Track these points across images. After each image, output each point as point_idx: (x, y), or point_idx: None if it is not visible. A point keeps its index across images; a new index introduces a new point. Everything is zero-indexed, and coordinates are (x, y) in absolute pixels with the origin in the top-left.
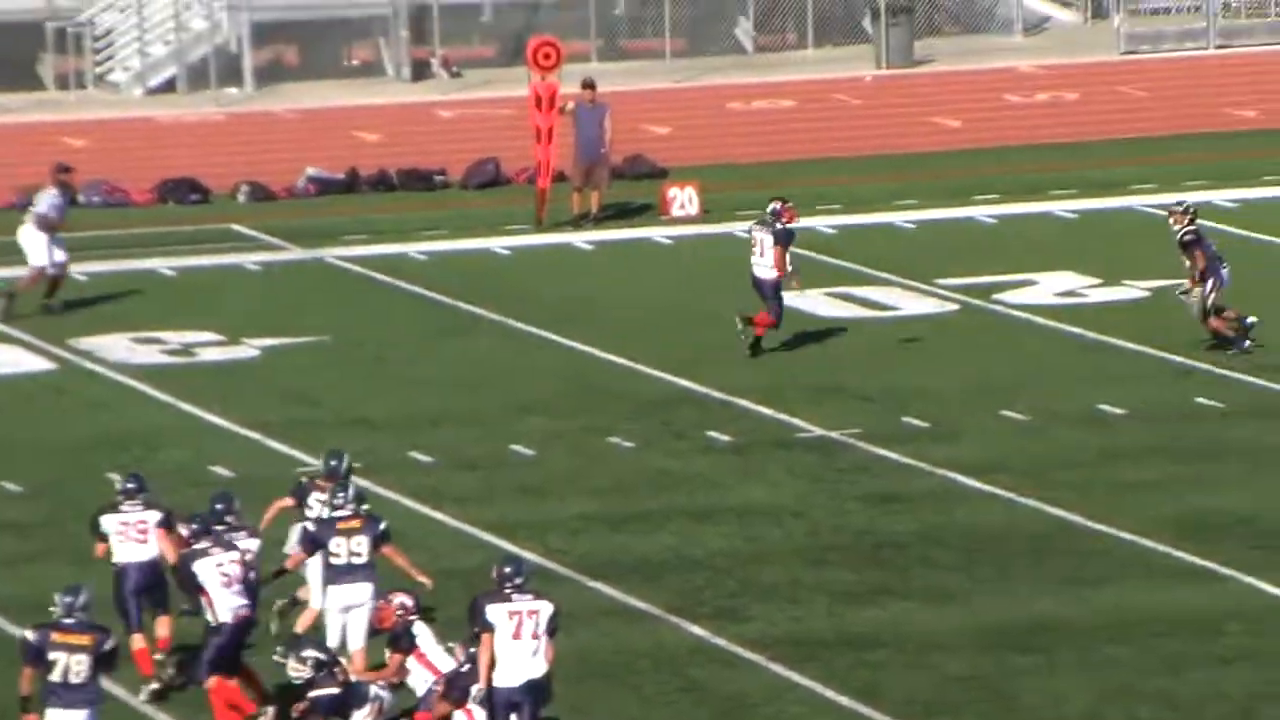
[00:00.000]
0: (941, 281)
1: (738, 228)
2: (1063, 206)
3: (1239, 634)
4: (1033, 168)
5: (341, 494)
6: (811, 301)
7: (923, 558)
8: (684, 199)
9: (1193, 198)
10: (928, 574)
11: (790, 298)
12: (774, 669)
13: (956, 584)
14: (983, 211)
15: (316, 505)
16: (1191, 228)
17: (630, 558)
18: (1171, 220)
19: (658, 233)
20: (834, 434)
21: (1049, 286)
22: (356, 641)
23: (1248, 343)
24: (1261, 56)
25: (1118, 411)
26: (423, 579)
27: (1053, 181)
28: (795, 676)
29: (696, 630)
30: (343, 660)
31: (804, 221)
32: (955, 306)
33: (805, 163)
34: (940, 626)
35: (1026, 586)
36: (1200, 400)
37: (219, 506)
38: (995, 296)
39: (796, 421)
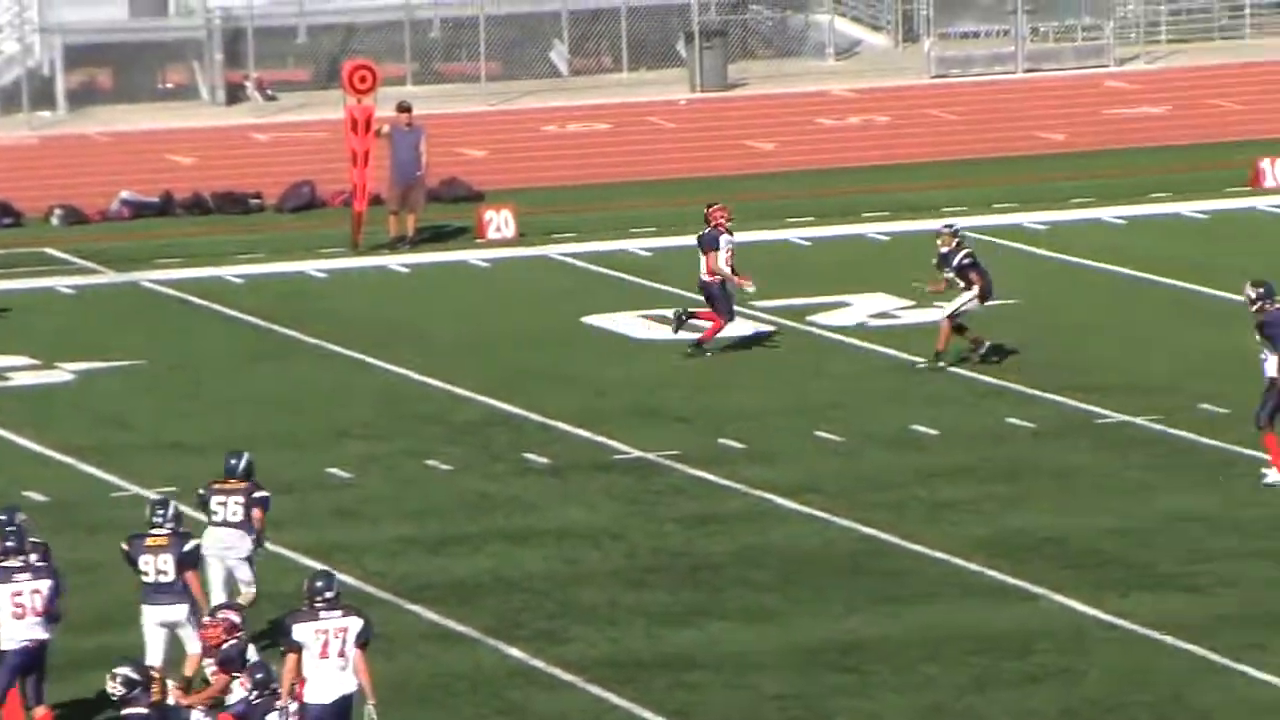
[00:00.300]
0: (757, 304)
1: (553, 250)
2: (875, 229)
3: (1049, 652)
4: (845, 190)
5: (161, 511)
6: (627, 323)
7: (739, 578)
8: (500, 222)
9: (1002, 220)
10: (744, 594)
11: (605, 320)
12: (592, 690)
13: (773, 604)
14: (796, 234)
15: (219, 509)
16: (968, 250)
17: (448, 580)
18: (940, 243)
19: (474, 255)
20: (651, 455)
21: (862, 308)
22: (192, 649)
23: (942, 364)
24: (1069, 80)
25: (930, 432)
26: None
27: (865, 204)
28: (613, 698)
29: (515, 652)
30: (171, 682)
31: (618, 244)
32: (771, 328)
33: (620, 185)
34: (757, 646)
35: (842, 606)
36: (1011, 420)
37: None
38: (809, 318)
39: (614, 443)
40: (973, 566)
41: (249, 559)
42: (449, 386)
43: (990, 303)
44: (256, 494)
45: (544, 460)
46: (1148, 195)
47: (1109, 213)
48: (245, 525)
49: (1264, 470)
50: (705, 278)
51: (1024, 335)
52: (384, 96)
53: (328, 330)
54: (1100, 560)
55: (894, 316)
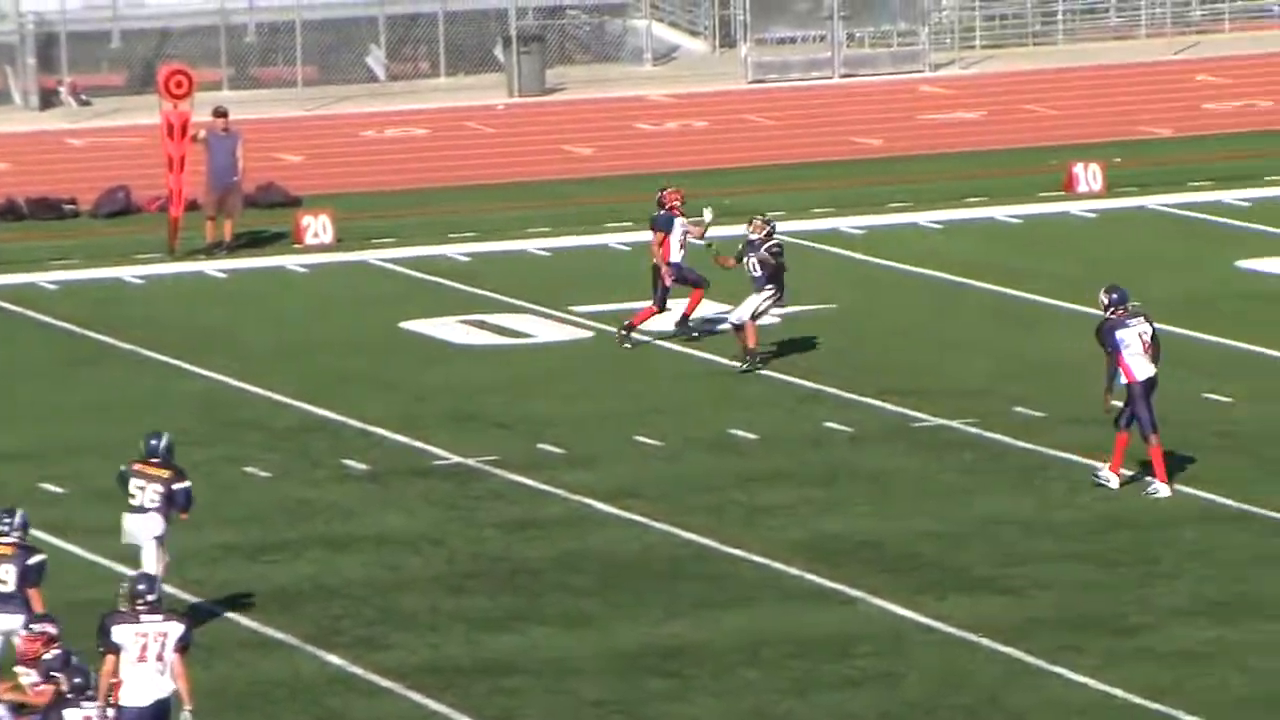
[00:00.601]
0: (575, 308)
1: (372, 256)
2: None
3: (868, 655)
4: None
5: (8, 519)
6: (446, 329)
7: (559, 583)
8: (318, 227)
9: (819, 225)
10: (564, 599)
11: (424, 326)
12: (412, 697)
13: (592, 609)
14: (615, 238)
15: (137, 491)
16: (777, 243)
17: (268, 587)
18: (751, 228)
19: (291, 261)
20: (470, 461)
21: (681, 312)
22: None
23: (760, 362)
24: (885, 85)
25: (749, 436)
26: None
27: (684, 208)
28: (433, 704)
29: (334, 659)
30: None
31: (437, 249)
32: (589, 333)
33: (439, 190)
34: (576, 652)
35: (661, 610)
36: (829, 424)
37: None
38: (629, 323)
39: (433, 449)
40: (792, 570)
41: (160, 539)
42: (267, 393)
43: (791, 309)
44: (176, 486)
45: (363, 466)
46: (963, 200)
47: (925, 217)
48: (161, 510)
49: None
50: (656, 260)
51: (841, 340)
52: (200, 101)
53: (144, 336)
54: (917, 563)
55: (712, 320)
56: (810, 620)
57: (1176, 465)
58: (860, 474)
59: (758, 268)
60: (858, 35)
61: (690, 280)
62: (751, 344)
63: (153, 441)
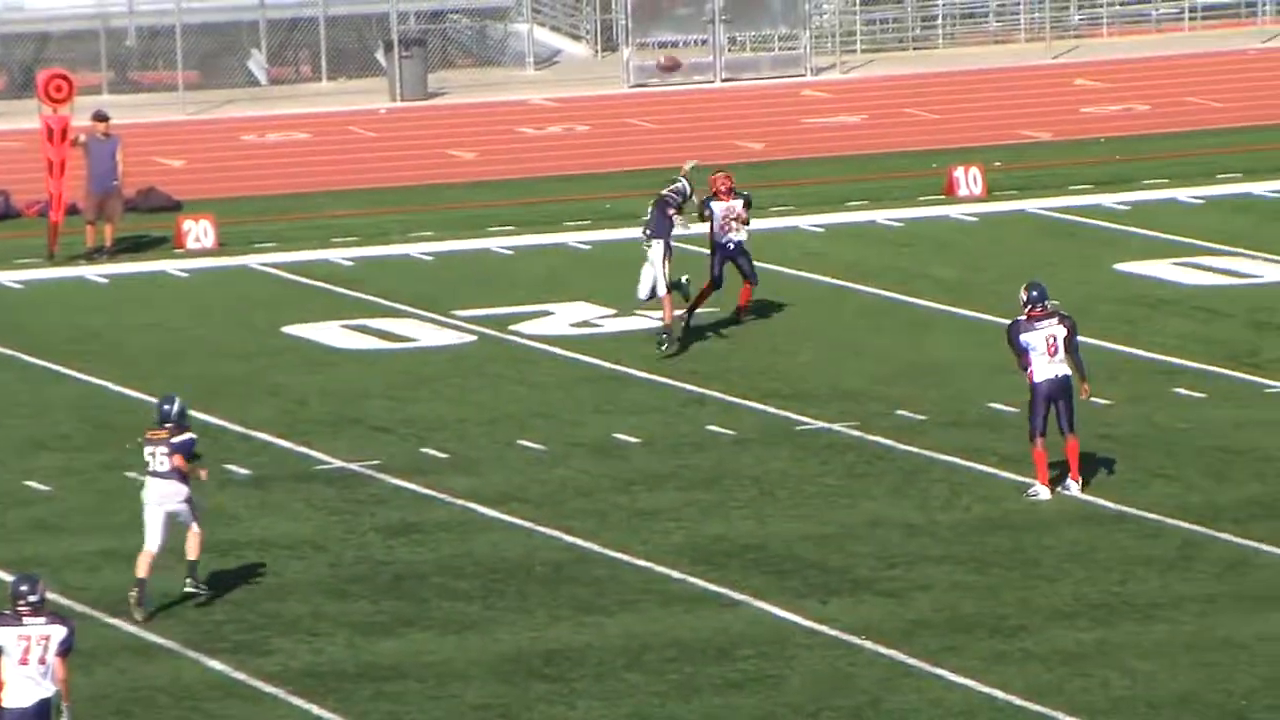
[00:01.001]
0: (458, 313)
1: (254, 260)
2: (577, 237)
3: (750, 658)
4: (547, 199)
5: None
6: (329, 333)
7: (442, 588)
8: (199, 232)
9: (702, 227)
10: (447, 604)
11: (307, 330)
12: (295, 702)
13: (476, 613)
14: (498, 243)
15: (149, 459)
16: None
17: (149, 593)
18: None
19: (173, 265)
20: (353, 466)
21: (565, 317)
22: None
23: (672, 346)
24: (766, 89)
25: (632, 440)
26: None
27: (566, 212)
28: (315, 709)
29: (216, 665)
30: None
31: (319, 254)
32: (473, 338)
33: (321, 195)
34: (459, 656)
35: (544, 614)
36: (712, 428)
37: None
38: (512, 327)
39: (315, 454)
40: (674, 574)
41: (188, 501)
42: (149, 398)
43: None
44: (175, 440)
45: (245, 471)
46: (845, 204)
47: (808, 221)
48: (174, 473)
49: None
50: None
51: (724, 343)
52: (80, 106)
53: (24, 341)
54: (800, 566)
55: (596, 325)
56: (693, 623)
57: (1055, 468)
58: (743, 477)
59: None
60: (739, 39)
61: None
62: (667, 320)
63: (165, 407)
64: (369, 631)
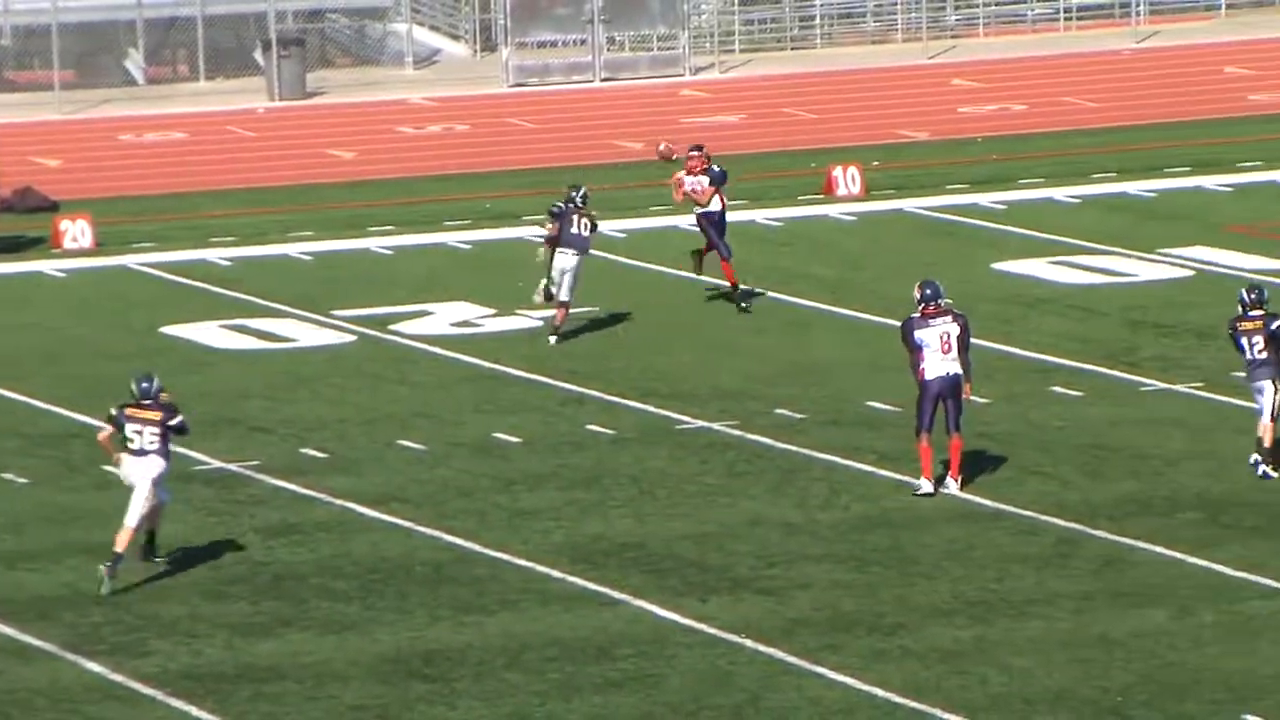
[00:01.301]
0: (338, 313)
1: (132, 260)
2: (457, 237)
3: (630, 656)
4: (426, 199)
5: None
6: (207, 333)
7: (322, 588)
8: (76, 232)
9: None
10: (327, 604)
11: (185, 330)
12: (173, 704)
13: (355, 614)
14: (378, 242)
15: (135, 436)
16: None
17: (26, 595)
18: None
19: (50, 266)
20: (232, 466)
21: (445, 317)
22: None
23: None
24: (645, 89)
25: (512, 440)
26: None
27: (446, 212)
28: (194, 711)
29: (94, 667)
30: None
31: (197, 254)
32: (352, 338)
33: (200, 194)
34: (339, 656)
35: (424, 615)
36: (591, 427)
37: None
38: (392, 327)
39: (194, 454)
40: (554, 573)
41: (156, 480)
42: (25, 398)
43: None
44: (172, 422)
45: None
46: None
47: (686, 220)
48: (161, 452)
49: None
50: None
51: (604, 342)
52: None
53: None
54: (679, 565)
55: (476, 325)
56: (572, 622)
57: (943, 465)
58: (622, 476)
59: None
60: (618, 39)
61: (721, 246)
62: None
63: (144, 384)
64: (247, 632)
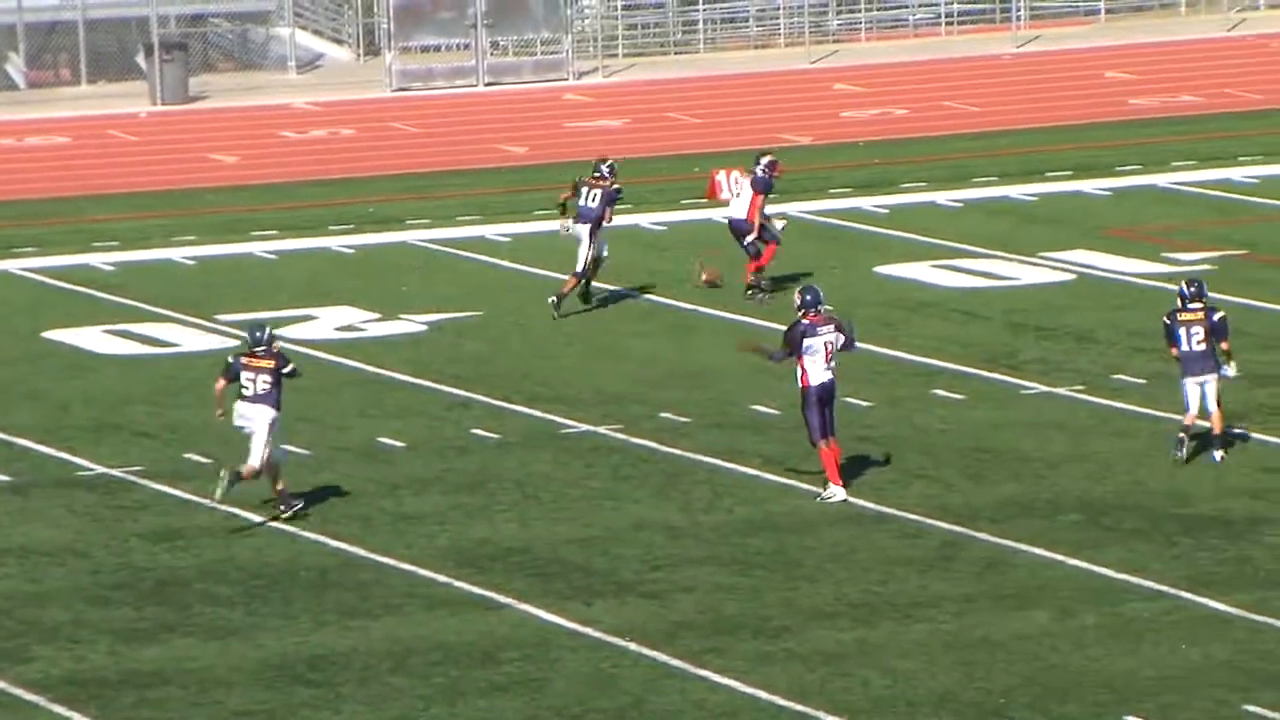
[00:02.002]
0: (222, 317)
1: (13, 265)
2: (340, 242)
3: (515, 660)
4: (310, 203)
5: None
6: (91, 338)
7: (206, 594)
8: None
9: (465, 233)
10: (210, 610)
11: (68, 335)
12: (56, 710)
13: (239, 619)
14: (261, 247)
15: (249, 383)
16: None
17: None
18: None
19: None
20: (115, 471)
21: (329, 321)
22: None
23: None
24: (529, 93)
25: (397, 444)
26: None
27: (330, 216)
28: (77, 717)
29: None
30: None
31: (80, 258)
32: (237, 342)
33: (82, 199)
34: (223, 662)
35: (309, 619)
36: (476, 431)
37: None
38: (276, 332)
39: (76, 460)
40: (439, 577)
41: (272, 425)
42: None
43: (437, 316)
44: (285, 369)
45: (5, 478)
46: None
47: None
48: (270, 398)
49: (825, 491)
50: (740, 215)
51: (489, 347)
52: None
53: None
54: (564, 569)
55: (360, 329)
56: (457, 627)
57: (820, 470)
58: (507, 480)
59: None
60: (501, 43)
61: (750, 246)
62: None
63: (257, 333)
64: (131, 638)
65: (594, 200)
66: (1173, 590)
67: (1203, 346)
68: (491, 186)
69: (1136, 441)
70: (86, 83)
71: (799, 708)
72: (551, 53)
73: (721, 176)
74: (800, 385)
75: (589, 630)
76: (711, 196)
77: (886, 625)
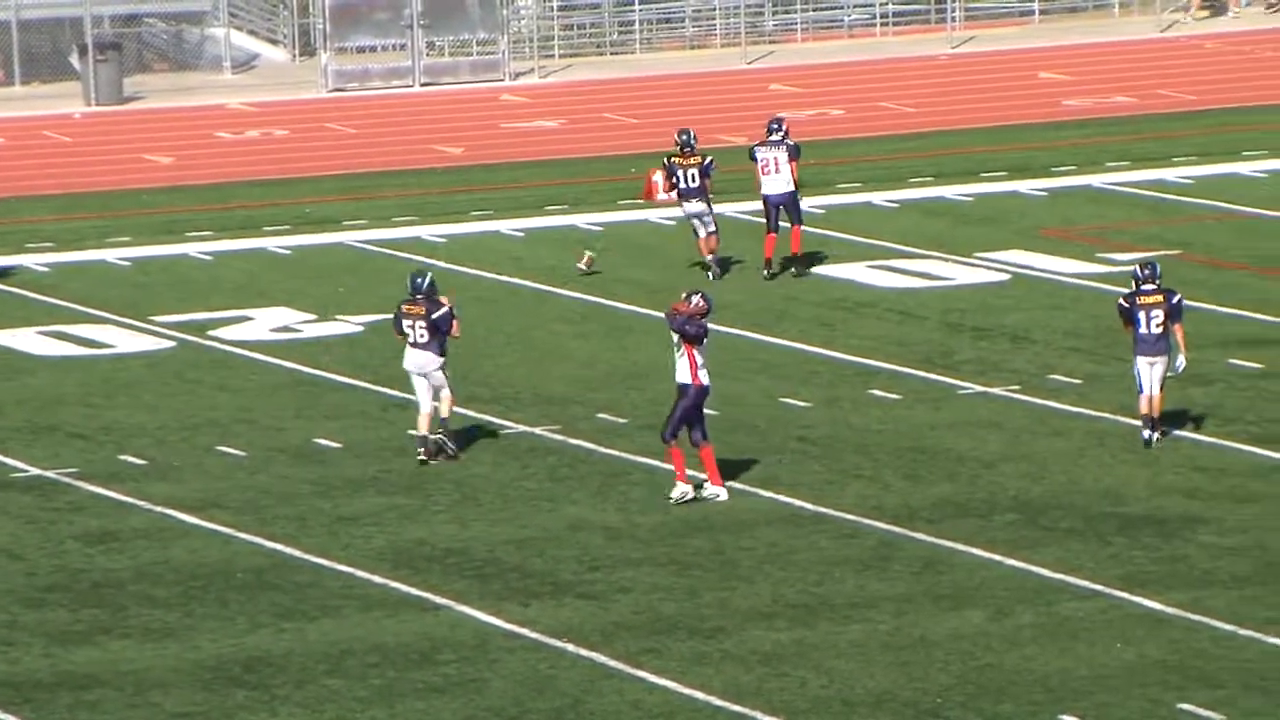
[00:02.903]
0: (157, 319)
1: None
2: (276, 242)
3: (452, 662)
4: (245, 204)
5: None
6: (25, 340)
7: (142, 595)
8: None
9: (401, 233)
10: (146, 612)
11: (4, 337)
12: None
13: (176, 621)
14: (196, 248)
15: (409, 330)
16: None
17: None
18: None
19: None
20: (50, 473)
21: (264, 322)
22: None
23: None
24: (465, 94)
25: (333, 445)
26: None
27: (266, 217)
28: (11, 719)
29: None
30: None
31: (14, 259)
32: (172, 344)
33: (16, 200)
34: (159, 664)
35: (245, 621)
36: (414, 432)
37: None
38: (211, 333)
39: (11, 462)
40: (376, 579)
41: (442, 369)
42: None
43: (375, 317)
44: (434, 315)
45: None
46: (544, 208)
47: (507, 225)
48: (433, 345)
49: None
50: (787, 187)
51: None
52: None
53: None
54: (501, 570)
55: (296, 330)
56: (395, 628)
57: (757, 469)
58: (444, 481)
59: (696, 178)
60: (438, 44)
61: (793, 213)
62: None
63: (416, 280)
64: (66, 640)
65: (694, 180)
66: (1108, 589)
67: (1161, 330)
68: (428, 187)
69: (1072, 441)
70: (20, 83)
71: (736, 708)
72: (488, 53)
73: (658, 177)
74: (689, 381)
75: (526, 631)
76: (649, 197)
77: (823, 625)
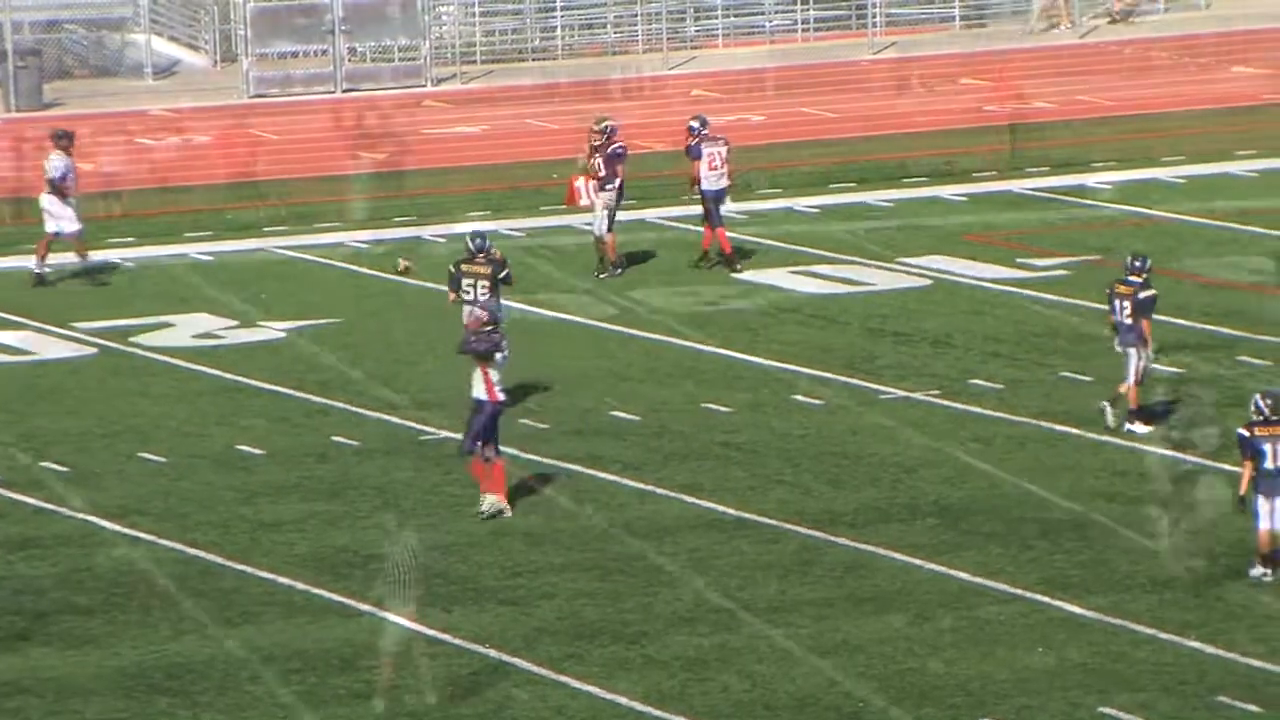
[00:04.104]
0: (78, 325)
1: None
2: (197, 249)
3: (376, 668)
4: (167, 210)
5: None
6: None
7: (63, 603)
8: None
9: (324, 239)
10: (68, 619)
11: None
12: None
13: (97, 628)
14: (118, 254)
15: (469, 289)
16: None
17: None
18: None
19: None
20: None
21: (186, 329)
22: None
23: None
24: (388, 99)
25: (256, 451)
26: None
27: (187, 224)
28: None
29: None
30: None
31: None
32: (93, 350)
33: None
34: (80, 671)
35: (168, 628)
36: (336, 438)
37: None
38: (133, 339)
39: None
40: (298, 585)
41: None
42: None
43: (298, 323)
44: (500, 274)
45: None
46: (466, 214)
47: (429, 231)
48: (490, 303)
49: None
50: (723, 183)
51: (349, 354)
52: None
53: None
54: (424, 575)
55: (218, 337)
56: (317, 634)
57: (681, 475)
58: (367, 488)
59: (602, 168)
60: (359, 50)
61: (715, 216)
62: (613, 255)
63: (477, 240)
64: None
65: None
66: (1028, 594)
67: (1129, 320)
68: (350, 192)
69: (993, 446)
70: None
71: (658, 713)
72: (409, 59)
73: (580, 183)
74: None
75: (449, 637)
76: (571, 203)
77: (745, 630)
